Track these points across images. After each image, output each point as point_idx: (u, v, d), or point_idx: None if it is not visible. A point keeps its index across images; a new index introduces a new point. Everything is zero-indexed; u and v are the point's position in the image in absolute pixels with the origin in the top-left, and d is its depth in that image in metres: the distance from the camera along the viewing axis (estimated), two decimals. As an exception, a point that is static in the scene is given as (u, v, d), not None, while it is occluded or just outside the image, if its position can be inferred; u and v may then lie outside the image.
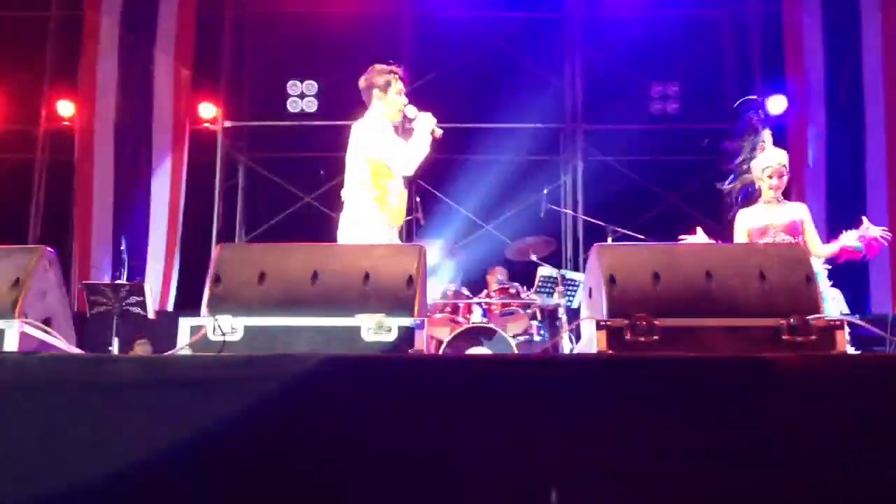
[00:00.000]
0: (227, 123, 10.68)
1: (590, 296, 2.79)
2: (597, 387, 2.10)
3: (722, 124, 10.57)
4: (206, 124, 10.61)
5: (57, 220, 10.24)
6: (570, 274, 7.47)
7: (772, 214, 5.42)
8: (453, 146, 8.99)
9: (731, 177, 6.00)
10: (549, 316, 7.38)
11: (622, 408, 2.06)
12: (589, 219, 8.43)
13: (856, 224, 5.43)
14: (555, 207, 8.31)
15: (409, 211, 5.25)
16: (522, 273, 7.77)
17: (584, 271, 5.58)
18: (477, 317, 7.13)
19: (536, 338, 7.20)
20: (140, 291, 7.58)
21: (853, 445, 2.01)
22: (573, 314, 7.04)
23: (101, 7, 10.08)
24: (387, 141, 4.92)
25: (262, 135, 11.09)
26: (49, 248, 2.74)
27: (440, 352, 6.39)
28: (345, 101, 10.37)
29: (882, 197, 9.30)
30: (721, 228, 6.78)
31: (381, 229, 4.82)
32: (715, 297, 2.55)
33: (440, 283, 7.29)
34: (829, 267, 5.46)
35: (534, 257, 7.51)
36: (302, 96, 10.37)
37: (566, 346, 6.47)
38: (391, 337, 2.51)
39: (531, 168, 10.47)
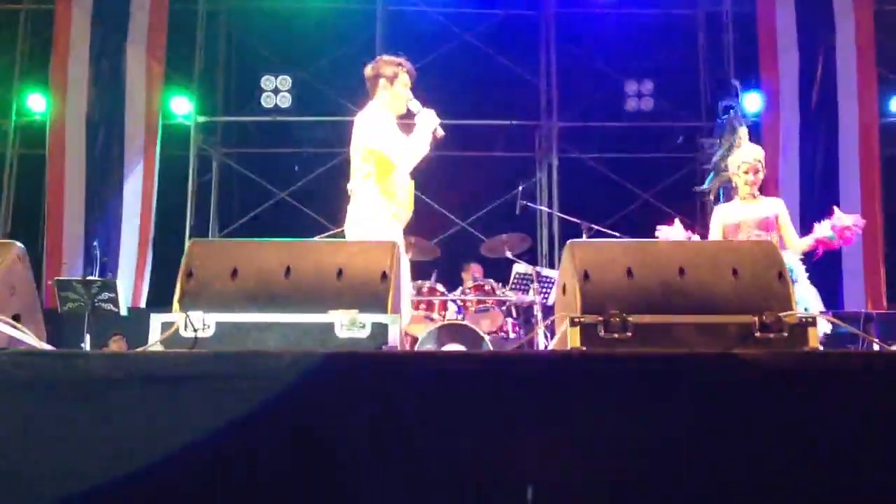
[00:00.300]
0: (201, 118, 10.61)
1: (564, 292, 2.79)
2: (570, 383, 2.10)
3: (696, 122, 10.69)
4: (179, 119, 10.54)
5: (28, 216, 10.14)
6: (545, 271, 7.48)
7: (746, 211, 5.47)
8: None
9: (710, 176, 6.05)
10: (525, 313, 7.39)
11: (595, 404, 2.07)
12: (564, 216, 8.46)
13: (829, 216, 5.48)
14: (530, 205, 8.31)
15: None
16: (498, 270, 7.78)
17: (559, 268, 5.60)
18: (452, 314, 7.13)
19: (511, 335, 7.21)
20: (112, 288, 7.53)
21: (825, 440, 2.03)
22: (548, 311, 7.05)
23: (72, 1, 9.98)
24: (388, 133, 4.87)
25: (236, 130, 11.04)
26: (19, 244, 2.70)
27: (415, 349, 6.37)
28: (319, 97, 10.44)
29: (855, 193, 9.40)
30: (695, 225, 6.83)
31: (387, 225, 4.76)
32: (688, 294, 2.55)
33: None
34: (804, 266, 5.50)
35: (509, 254, 7.52)
36: (276, 91, 10.32)
37: (541, 343, 6.47)
38: (365, 333, 2.49)
39: (506, 165, 10.51)
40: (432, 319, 6.95)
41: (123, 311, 7.67)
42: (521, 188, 7.82)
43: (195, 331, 2.48)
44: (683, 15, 10.99)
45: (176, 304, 2.58)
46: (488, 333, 6.83)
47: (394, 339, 2.50)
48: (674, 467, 2.03)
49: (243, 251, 2.71)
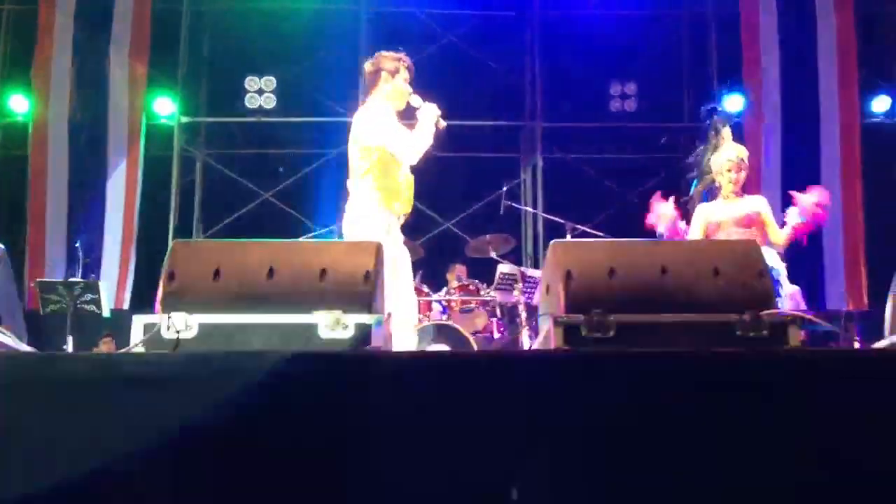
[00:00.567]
0: (184, 119, 10.55)
1: (547, 292, 2.80)
2: (553, 383, 2.10)
3: (679, 123, 10.74)
4: (162, 120, 10.48)
5: (10, 216, 10.07)
6: (529, 271, 7.50)
7: (728, 209, 5.50)
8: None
9: (694, 182, 6.08)
10: (509, 313, 7.41)
11: (578, 404, 2.07)
12: (548, 216, 8.48)
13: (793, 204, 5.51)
14: (514, 205, 8.34)
15: None
16: (482, 270, 7.79)
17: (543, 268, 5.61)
18: (437, 314, 7.14)
19: (496, 335, 7.22)
20: (94, 289, 7.49)
21: (802, 439, 2.04)
22: (533, 311, 7.07)
23: (55, 1, 9.92)
24: (390, 129, 4.86)
25: (220, 131, 10.99)
26: (0, 245, 2.69)
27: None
28: (303, 98, 10.41)
29: (836, 195, 9.45)
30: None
31: (383, 224, 4.76)
32: (670, 293, 2.57)
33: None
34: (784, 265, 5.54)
35: (493, 254, 7.53)
36: (260, 92, 10.27)
37: (525, 343, 6.49)
38: (348, 334, 2.49)
39: (491, 165, 10.51)
40: (417, 320, 6.95)
41: (106, 313, 7.63)
42: (505, 188, 7.84)
43: (178, 332, 2.48)
44: (667, 17, 11.04)
45: (159, 306, 2.57)
46: (473, 333, 6.84)
47: (377, 339, 2.50)
48: (659, 467, 2.03)
49: (226, 252, 2.70)
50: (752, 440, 2.03)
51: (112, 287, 9.41)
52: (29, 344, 2.86)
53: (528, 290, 7.19)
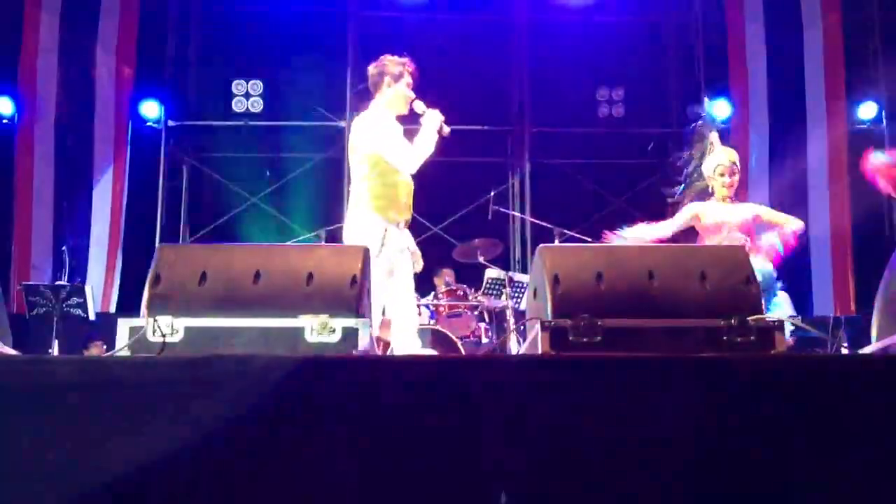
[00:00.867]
0: (171, 123, 10.51)
1: (535, 296, 2.80)
2: (540, 387, 2.10)
3: (667, 128, 10.76)
4: (149, 123, 10.44)
5: (-5, 220, 10.01)
6: (517, 276, 7.50)
7: (727, 212, 5.49)
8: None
9: (682, 187, 6.08)
10: (497, 317, 7.41)
11: (565, 407, 2.07)
12: (536, 221, 8.48)
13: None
14: (502, 209, 8.33)
15: None
16: (470, 275, 7.78)
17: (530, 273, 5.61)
18: (425, 318, 7.13)
19: (484, 339, 7.22)
20: (81, 293, 7.46)
21: (789, 443, 2.04)
22: (521, 316, 7.07)
23: (41, 3, 9.87)
24: (387, 135, 4.85)
25: (207, 134, 10.94)
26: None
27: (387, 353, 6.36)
28: (291, 102, 10.39)
29: (823, 200, 9.50)
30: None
31: (378, 230, 4.73)
32: (657, 298, 2.57)
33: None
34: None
35: (481, 259, 7.52)
36: (247, 96, 10.24)
37: (513, 348, 6.49)
38: (335, 338, 2.49)
39: (479, 170, 10.50)
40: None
41: (92, 316, 7.59)
42: (493, 193, 7.83)
43: (163, 336, 2.47)
44: (655, 23, 11.07)
45: (144, 309, 2.56)
46: (461, 338, 6.84)
47: (364, 343, 2.49)
48: (645, 471, 2.03)
49: (212, 256, 2.70)
50: (740, 443, 2.03)
51: (98, 290, 9.36)
52: (14, 348, 2.85)
53: (516, 294, 7.19)
